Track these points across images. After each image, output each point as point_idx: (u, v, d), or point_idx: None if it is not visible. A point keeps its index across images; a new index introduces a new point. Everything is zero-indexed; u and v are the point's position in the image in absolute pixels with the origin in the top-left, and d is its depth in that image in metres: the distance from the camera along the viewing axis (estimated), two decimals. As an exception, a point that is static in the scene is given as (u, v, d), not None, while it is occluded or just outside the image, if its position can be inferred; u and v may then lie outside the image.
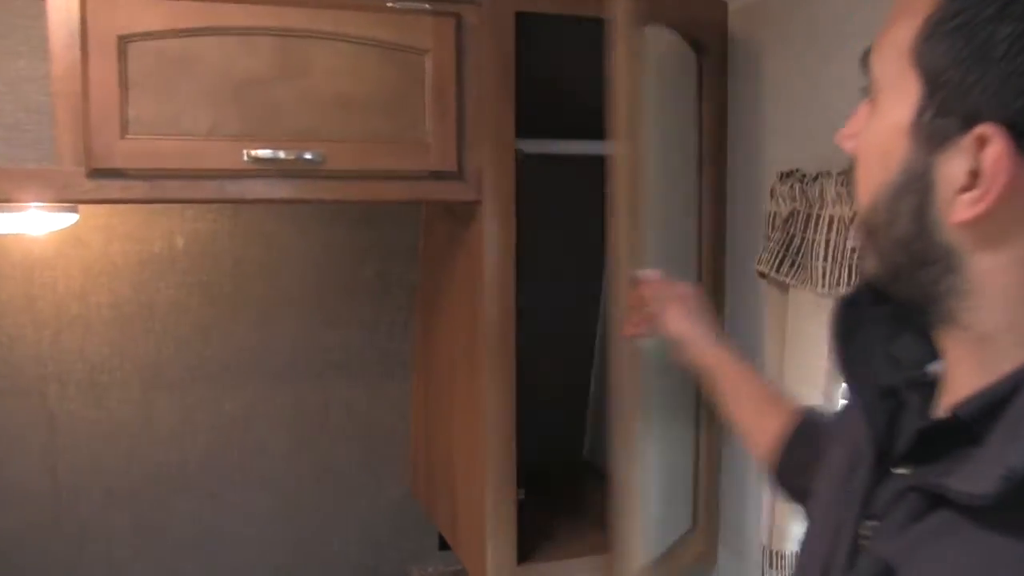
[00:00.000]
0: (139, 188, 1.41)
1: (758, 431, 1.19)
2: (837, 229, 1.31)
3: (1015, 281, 0.62)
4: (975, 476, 0.59)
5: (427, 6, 1.50)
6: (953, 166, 0.61)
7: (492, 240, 1.56)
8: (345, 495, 2.12)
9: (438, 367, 1.92)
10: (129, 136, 1.37)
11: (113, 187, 1.39)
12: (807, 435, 1.10)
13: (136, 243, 1.85)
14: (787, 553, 1.44)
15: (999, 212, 0.60)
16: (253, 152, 1.41)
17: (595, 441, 2.29)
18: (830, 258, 1.31)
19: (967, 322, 0.64)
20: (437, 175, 1.53)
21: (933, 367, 0.73)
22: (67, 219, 1.54)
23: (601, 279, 2.21)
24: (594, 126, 1.43)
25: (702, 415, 1.75)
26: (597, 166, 1.42)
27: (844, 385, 1.00)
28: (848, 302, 0.77)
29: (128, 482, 1.96)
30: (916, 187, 0.63)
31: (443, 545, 2.25)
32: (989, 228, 0.61)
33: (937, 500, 0.63)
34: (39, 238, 1.76)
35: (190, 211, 1.86)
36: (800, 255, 1.37)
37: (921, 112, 0.62)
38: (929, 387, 0.72)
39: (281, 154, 1.42)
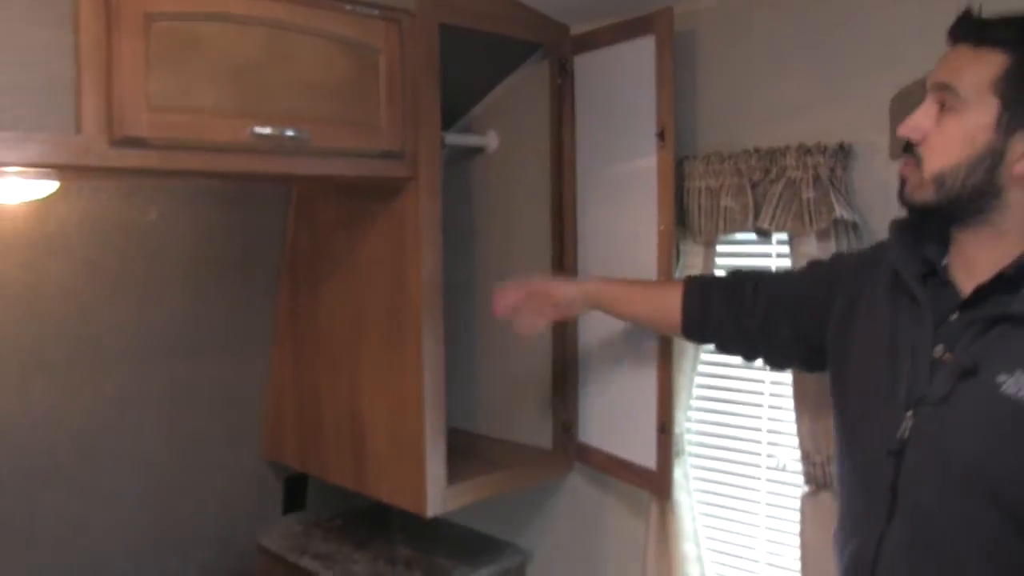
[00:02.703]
0: (154, 157, 1.51)
1: (666, 308, 1.68)
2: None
3: None
4: None
5: (376, 12, 1.77)
6: (1019, 144, 1.13)
7: (426, 212, 1.86)
8: (206, 469, 2.22)
9: (317, 336, 2.14)
10: (152, 107, 1.48)
11: (132, 156, 1.48)
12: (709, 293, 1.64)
13: (29, 222, 1.82)
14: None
15: None
16: (256, 129, 1.58)
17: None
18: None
19: (995, 223, 1.17)
20: (386, 154, 1.79)
21: (944, 260, 1.26)
22: (45, 188, 1.55)
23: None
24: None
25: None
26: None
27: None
28: (902, 224, 1.30)
29: (-5, 473, 1.89)
30: (992, 155, 1.15)
31: (287, 509, 2.43)
32: None
33: (993, 323, 1.15)
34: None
35: (86, 189, 1.87)
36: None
37: (1000, 117, 1.14)
38: (933, 277, 1.26)
39: (277, 131, 1.60)
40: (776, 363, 1.65)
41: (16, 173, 1.48)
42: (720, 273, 1.81)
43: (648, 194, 1.90)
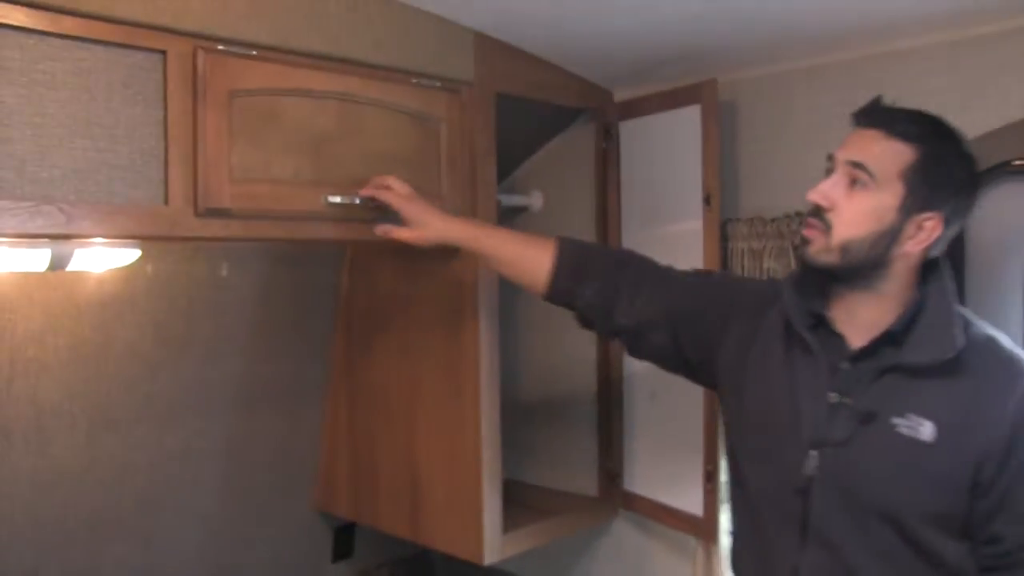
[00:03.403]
0: (237, 227, 1.58)
1: (530, 261, 1.67)
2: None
3: (906, 273, 1.35)
4: (920, 354, 1.30)
5: (438, 84, 1.85)
6: (911, 226, 1.32)
7: (483, 272, 1.93)
8: (260, 519, 2.28)
9: (373, 389, 2.20)
10: (235, 179, 1.55)
11: (216, 225, 1.55)
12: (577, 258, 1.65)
13: (101, 286, 1.89)
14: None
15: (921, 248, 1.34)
16: (329, 197, 1.66)
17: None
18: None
19: (879, 288, 1.36)
20: (447, 219, 1.87)
21: (828, 313, 1.41)
22: (128, 256, 1.62)
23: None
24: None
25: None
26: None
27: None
28: (796, 279, 1.45)
29: (63, 530, 1.94)
30: (892, 233, 1.32)
31: (336, 557, 2.48)
32: (912, 253, 1.33)
33: (883, 372, 1.33)
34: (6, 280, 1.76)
35: (154, 251, 1.93)
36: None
37: (903, 201, 1.31)
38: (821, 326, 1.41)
39: (347, 199, 1.68)
40: (635, 355, 1.70)
41: (103, 243, 1.56)
42: (600, 248, 1.77)
43: (693, 255, 1.97)
